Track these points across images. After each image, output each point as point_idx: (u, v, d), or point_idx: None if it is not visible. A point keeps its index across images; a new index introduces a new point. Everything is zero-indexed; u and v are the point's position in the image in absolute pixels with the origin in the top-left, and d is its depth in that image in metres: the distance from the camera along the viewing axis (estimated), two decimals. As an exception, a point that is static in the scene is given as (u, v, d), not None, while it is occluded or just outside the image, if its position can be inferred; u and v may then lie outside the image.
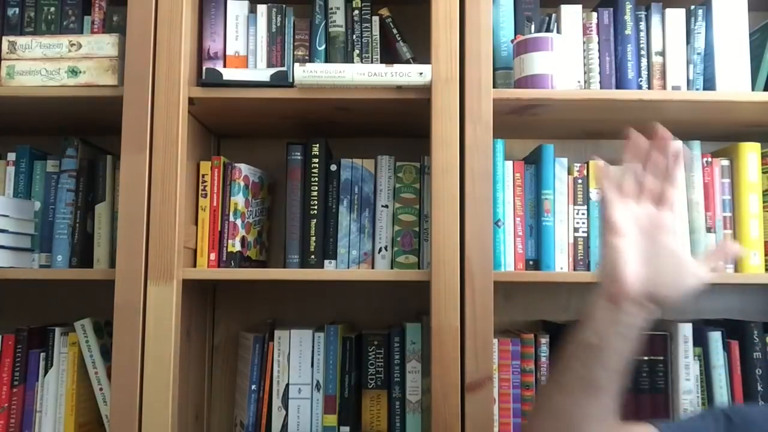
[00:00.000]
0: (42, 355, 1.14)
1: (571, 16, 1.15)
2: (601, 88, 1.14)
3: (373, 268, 1.15)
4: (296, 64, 1.06)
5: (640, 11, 1.16)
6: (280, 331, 1.17)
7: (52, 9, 1.19)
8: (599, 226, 1.09)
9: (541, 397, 0.81)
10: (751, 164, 1.13)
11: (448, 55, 1.05)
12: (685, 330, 1.11)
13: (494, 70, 1.09)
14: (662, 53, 1.16)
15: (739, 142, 1.15)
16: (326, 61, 1.18)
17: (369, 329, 1.22)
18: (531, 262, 1.12)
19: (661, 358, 1.12)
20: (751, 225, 1.13)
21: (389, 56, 1.20)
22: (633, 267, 0.68)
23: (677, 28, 1.15)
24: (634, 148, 0.73)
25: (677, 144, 0.70)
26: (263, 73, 1.10)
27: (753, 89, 1.14)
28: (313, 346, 1.17)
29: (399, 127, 1.24)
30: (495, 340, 1.09)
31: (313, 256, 1.14)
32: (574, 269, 1.12)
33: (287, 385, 1.16)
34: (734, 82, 1.13)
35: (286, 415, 1.15)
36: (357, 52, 1.18)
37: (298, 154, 1.15)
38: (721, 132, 1.26)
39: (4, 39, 1.12)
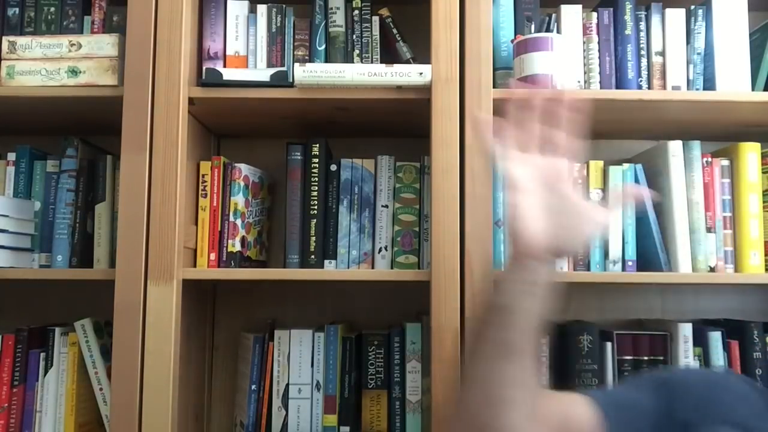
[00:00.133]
0: (42, 355, 1.14)
1: (571, 16, 1.15)
2: (601, 88, 1.14)
3: (373, 268, 1.15)
4: (296, 64, 1.06)
5: (640, 11, 1.16)
6: (280, 331, 1.17)
7: (52, 9, 1.19)
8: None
9: (465, 368, 0.80)
10: (751, 164, 1.13)
11: (448, 55, 1.05)
12: (685, 330, 1.11)
13: (494, 70, 1.09)
14: (662, 53, 1.16)
15: (739, 142, 1.14)
16: (326, 61, 1.18)
17: (369, 329, 1.22)
18: (531, 262, 1.12)
19: (661, 358, 1.13)
20: (751, 225, 1.13)
21: (389, 56, 1.20)
22: (535, 223, 0.68)
23: (677, 28, 1.15)
24: (518, 100, 0.72)
25: (561, 87, 0.69)
26: (263, 73, 1.10)
27: (753, 89, 1.14)
28: (313, 346, 1.17)
29: (399, 127, 1.24)
30: (495, 340, 1.09)
31: (313, 256, 1.14)
32: (574, 269, 1.12)
33: (287, 385, 1.16)
34: (734, 82, 1.13)
35: (286, 415, 1.15)
36: (357, 52, 1.18)
37: (298, 154, 1.15)
38: (721, 132, 1.26)
39: (4, 39, 1.11)
